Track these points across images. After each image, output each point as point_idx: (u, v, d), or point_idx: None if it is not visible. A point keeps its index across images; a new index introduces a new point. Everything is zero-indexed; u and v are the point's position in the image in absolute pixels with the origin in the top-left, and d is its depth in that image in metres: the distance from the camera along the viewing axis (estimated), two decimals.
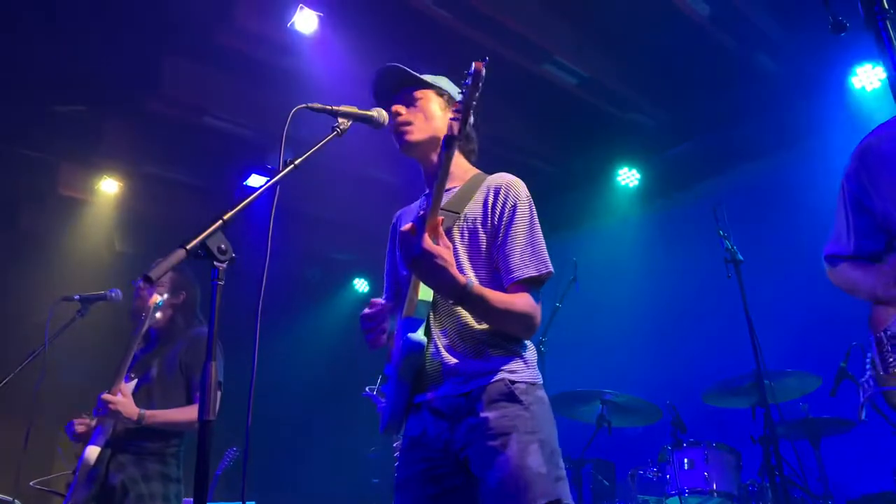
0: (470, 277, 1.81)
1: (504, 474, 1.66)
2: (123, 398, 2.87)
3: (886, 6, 1.36)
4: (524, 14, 4.91)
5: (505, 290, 1.83)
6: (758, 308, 3.44)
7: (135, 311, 3.11)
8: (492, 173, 2.04)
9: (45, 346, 3.27)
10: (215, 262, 1.45)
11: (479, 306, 1.77)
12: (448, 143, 1.76)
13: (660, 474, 3.95)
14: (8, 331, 5.42)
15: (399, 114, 2.02)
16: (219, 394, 2.62)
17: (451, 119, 1.75)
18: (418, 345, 1.81)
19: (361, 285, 8.17)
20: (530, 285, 1.83)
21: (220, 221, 1.47)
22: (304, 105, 1.83)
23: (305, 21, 4.66)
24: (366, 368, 2.91)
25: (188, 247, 1.41)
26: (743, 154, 5.56)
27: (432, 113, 2.03)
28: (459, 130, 1.74)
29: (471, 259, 1.89)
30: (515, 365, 1.82)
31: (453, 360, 1.81)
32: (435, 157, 1.99)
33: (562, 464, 1.76)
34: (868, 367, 1.94)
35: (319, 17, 4.67)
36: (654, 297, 5.79)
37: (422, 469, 1.82)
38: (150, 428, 2.92)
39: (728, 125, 5.60)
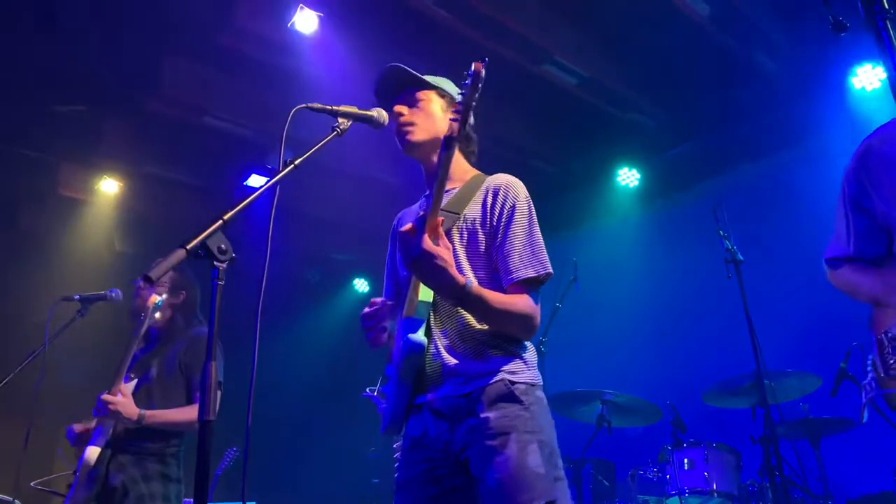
0: (469, 278, 1.81)
1: (503, 474, 1.66)
2: (123, 398, 2.86)
3: (886, 6, 1.36)
4: (524, 14, 4.91)
5: (504, 291, 1.83)
6: (758, 308, 3.44)
7: (135, 311, 3.11)
8: (492, 174, 2.04)
9: (45, 346, 3.27)
10: (215, 262, 1.45)
11: (479, 307, 1.77)
12: (447, 143, 1.76)
13: (660, 474, 3.95)
14: (8, 331, 5.42)
15: (401, 114, 2.03)
16: (219, 394, 2.62)
17: (451, 120, 1.76)
18: (419, 345, 1.80)
19: (361, 285, 8.17)
20: (529, 286, 1.83)
21: (221, 221, 1.47)
22: (304, 105, 1.83)
23: (305, 21, 4.66)
24: (366, 368, 2.91)
25: (188, 247, 1.41)
26: (743, 154, 5.57)
27: (434, 114, 2.04)
28: (458, 131, 1.74)
29: (470, 260, 1.89)
30: (515, 366, 1.82)
31: (453, 361, 1.81)
32: (436, 158, 1.99)
33: (560, 464, 1.76)
34: (869, 369, 1.93)
35: (319, 17, 4.67)
36: (654, 297, 5.79)
37: (422, 470, 1.82)
38: (150, 428, 2.92)
39: (728, 125, 5.60)
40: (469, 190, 1.99)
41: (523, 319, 1.81)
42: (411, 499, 1.82)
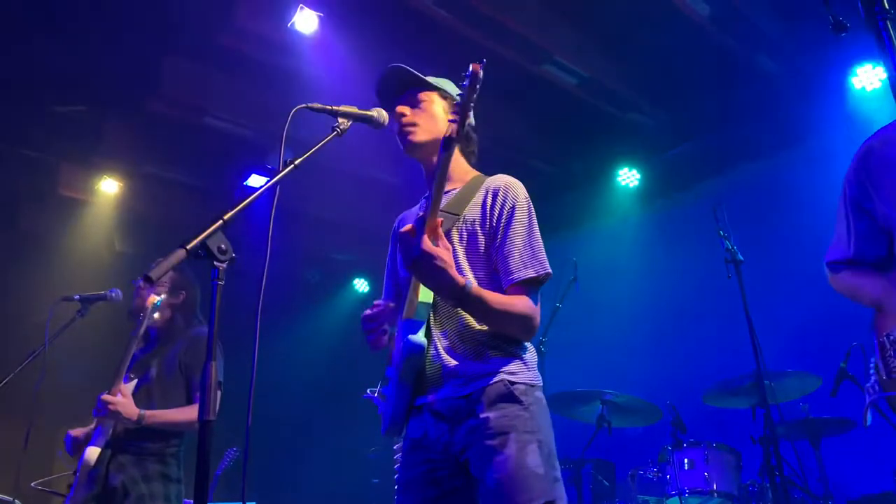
0: (469, 279, 1.81)
1: (502, 474, 1.66)
2: (123, 398, 2.86)
3: (886, 6, 1.36)
4: (524, 14, 4.91)
5: (504, 292, 1.83)
6: (758, 308, 3.44)
7: (134, 311, 3.11)
8: (492, 174, 2.04)
9: (45, 346, 3.27)
10: (215, 262, 1.45)
11: (479, 308, 1.77)
12: (446, 144, 1.76)
13: (660, 474, 3.95)
14: (8, 331, 5.42)
15: (404, 115, 2.03)
16: (219, 394, 2.62)
17: (450, 121, 1.76)
18: (419, 346, 1.80)
19: (361, 286, 8.17)
20: (529, 287, 1.83)
21: (221, 221, 1.47)
22: (304, 105, 1.82)
23: (305, 21, 4.66)
24: (366, 369, 2.91)
25: (188, 247, 1.40)
26: (743, 154, 5.56)
27: (436, 115, 2.04)
28: (457, 132, 1.74)
29: (470, 260, 1.89)
30: (515, 366, 1.82)
31: (453, 362, 1.81)
32: (436, 159, 1.99)
33: (558, 465, 1.76)
34: (872, 372, 1.93)
35: (319, 17, 4.67)
36: (653, 297, 5.79)
37: (423, 471, 1.83)
38: (150, 428, 2.92)
39: (728, 125, 5.60)
40: (469, 191, 1.99)
41: (523, 320, 1.81)
42: (412, 500, 1.82)
